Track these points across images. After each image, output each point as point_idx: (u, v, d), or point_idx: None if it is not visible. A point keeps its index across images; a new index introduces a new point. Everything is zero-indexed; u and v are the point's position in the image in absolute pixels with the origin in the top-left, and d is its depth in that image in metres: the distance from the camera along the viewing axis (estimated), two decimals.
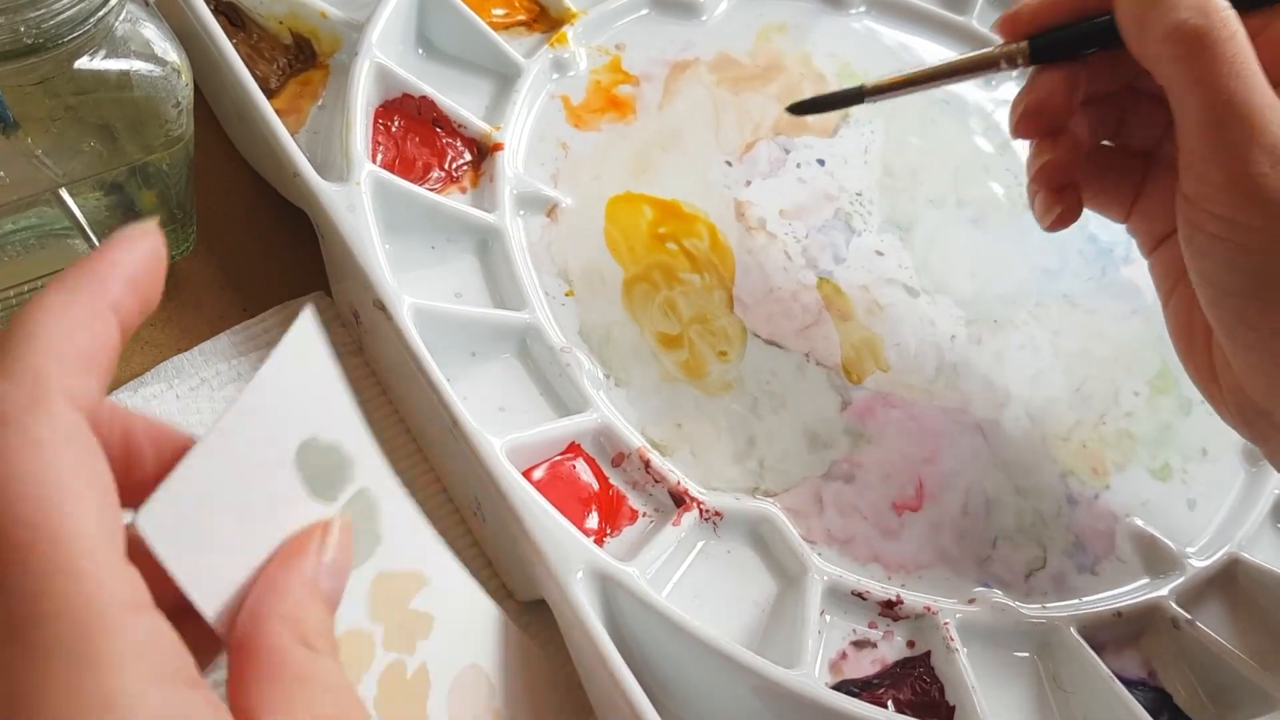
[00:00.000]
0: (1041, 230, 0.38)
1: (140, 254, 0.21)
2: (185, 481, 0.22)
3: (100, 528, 0.18)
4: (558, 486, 0.36)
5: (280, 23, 0.43)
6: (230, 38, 0.40)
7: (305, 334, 0.25)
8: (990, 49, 0.37)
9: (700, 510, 0.37)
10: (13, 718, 0.17)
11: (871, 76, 0.38)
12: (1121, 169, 0.38)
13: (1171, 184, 0.36)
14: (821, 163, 0.47)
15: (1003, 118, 0.51)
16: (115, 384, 0.37)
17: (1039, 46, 0.36)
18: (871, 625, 0.37)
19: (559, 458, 0.37)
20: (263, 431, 0.24)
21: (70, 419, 0.18)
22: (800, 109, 0.40)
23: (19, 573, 0.17)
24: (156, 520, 0.21)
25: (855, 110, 0.49)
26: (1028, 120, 0.37)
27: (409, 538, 0.27)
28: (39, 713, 0.17)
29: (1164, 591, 0.40)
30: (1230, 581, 0.41)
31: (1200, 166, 0.32)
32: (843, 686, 0.35)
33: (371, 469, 0.26)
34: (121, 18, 0.33)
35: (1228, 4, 0.32)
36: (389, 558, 0.26)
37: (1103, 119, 0.38)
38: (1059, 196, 0.37)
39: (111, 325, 0.20)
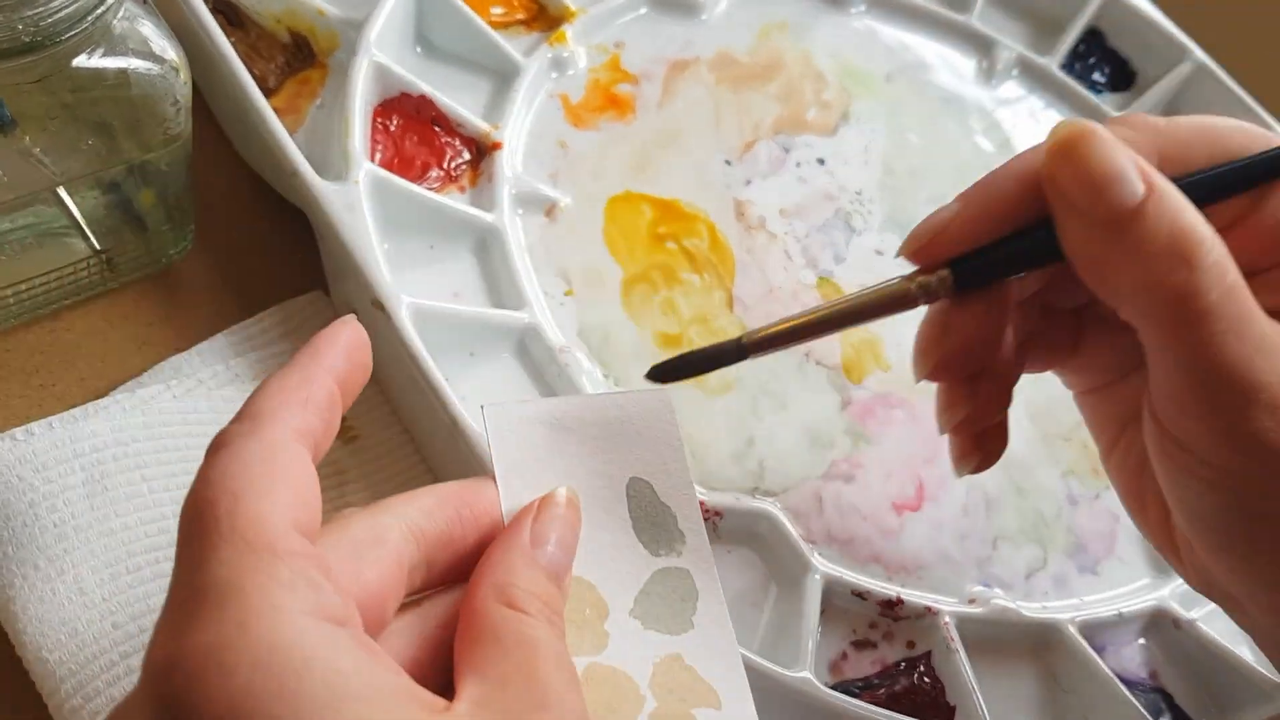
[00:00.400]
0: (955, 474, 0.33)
1: (345, 334, 0.26)
2: (531, 415, 0.28)
3: (274, 506, 0.22)
4: None
5: (278, 21, 0.43)
6: (228, 36, 0.40)
7: (662, 406, 0.29)
8: (899, 280, 0.29)
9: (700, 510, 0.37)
10: (175, 636, 0.21)
11: (751, 326, 0.30)
12: (1052, 331, 0.33)
13: (1109, 339, 0.32)
14: (822, 162, 0.47)
15: (1003, 117, 0.51)
16: (112, 384, 0.37)
17: (965, 272, 0.28)
18: (872, 626, 0.37)
19: None
20: (606, 431, 0.28)
21: (276, 437, 0.23)
22: (663, 374, 0.30)
23: (200, 532, 0.22)
24: (496, 421, 0.28)
25: (856, 108, 0.49)
26: (949, 367, 0.30)
27: (718, 653, 0.28)
28: (190, 634, 0.21)
29: (1165, 592, 0.40)
30: None
31: (1186, 421, 0.27)
32: (843, 687, 0.35)
33: (700, 561, 0.29)
34: (119, 15, 0.33)
35: (1212, 233, 0.26)
36: (691, 651, 0.28)
37: (1025, 304, 0.32)
38: (978, 442, 0.32)
39: (327, 378, 0.25)
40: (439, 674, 0.24)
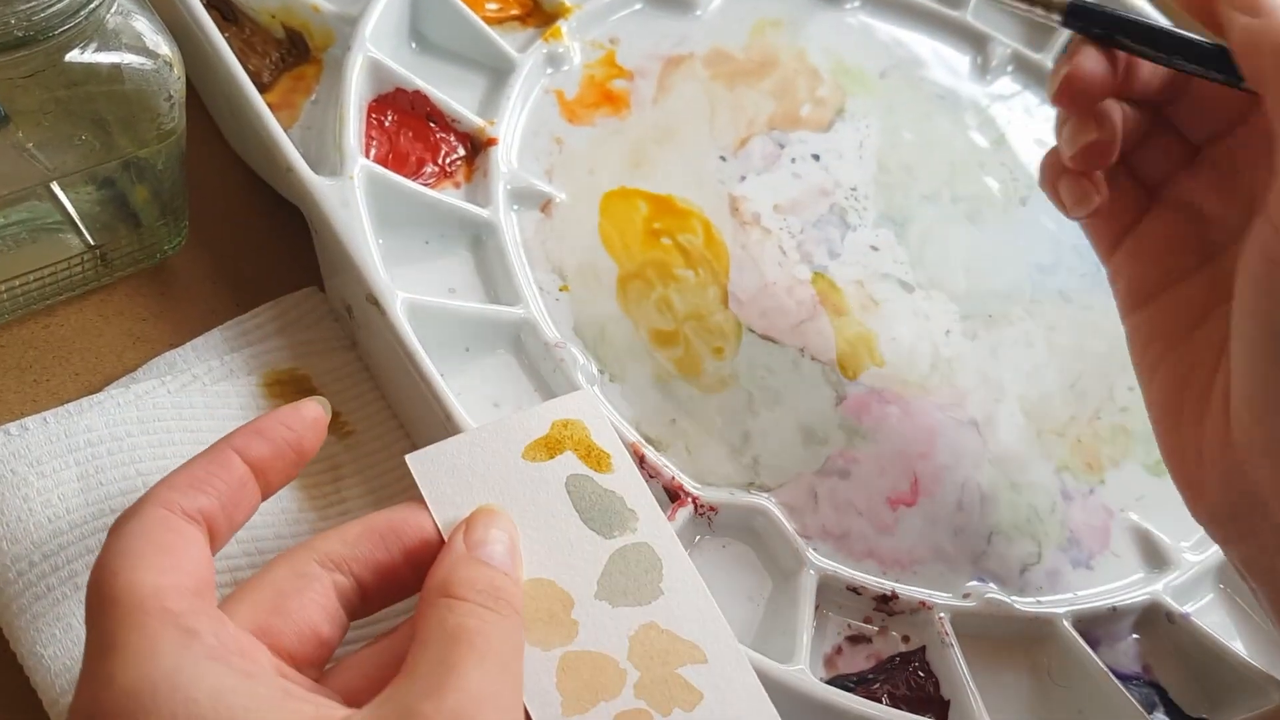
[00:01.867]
0: (1069, 217, 0.36)
1: (281, 417, 0.29)
2: (453, 450, 0.30)
3: (148, 574, 0.25)
4: None
5: (273, 16, 0.43)
6: (222, 31, 0.40)
7: (584, 403, 0.31)
8: None
9: (695, 506, 0.37)
10: (76, 698, 0.24)
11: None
12: (1121, 196, 0.36)
13: (1172, 231, 0.35)
14: (816, 157, 0.47)
15: (997, 113, 0.51)
16: (106, 379, 0.37)
17: (1076, 8, 0.34)
18: (866, 620, 0.37)
19: None
20: (533, 443, 0.30)
21: (155, 515, 0.26)
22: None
23: (91, 605, 0.25)
24: (421, 464, 0.30)
25: (850, 105, 0.49)
26: (1068, 87, 0.34)
27: (694, 611, 0.29)
28: (82, 693, 0.24)
29: (1159, 586, 0.40)
30: (1225, 576, 0.41)
31: None
32: (837, 681, 0.35)
33: (656, 530, 0.30)
34: (113, 10, 0.33)
35: None
36: (666, 616, 0.29)
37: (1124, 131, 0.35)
38: (1095, 182, 0.35)
39: (231, 460, 0.28)
40: None
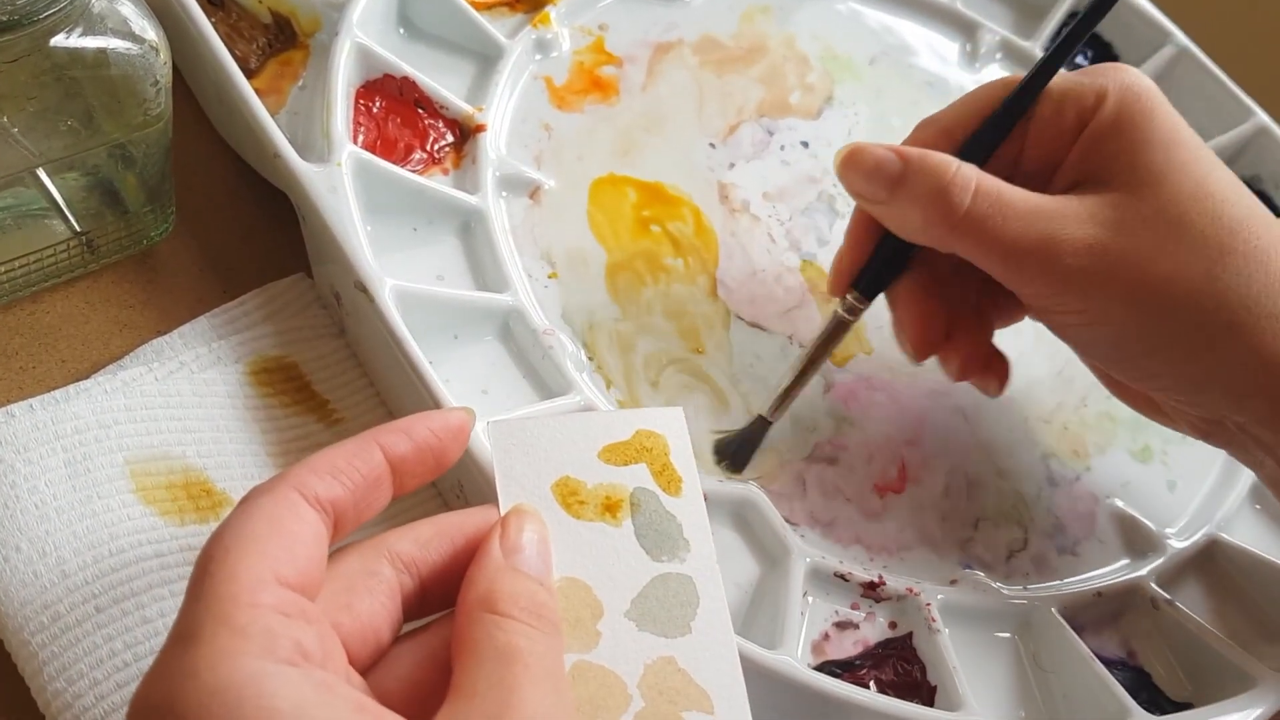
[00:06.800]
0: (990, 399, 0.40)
1: (429, 420, 0.28)
2: (535, 429, 0.30)
3: (255, 560, 0.24)
4: None
5: (260, 2, 0.43)
6: (209, 16, 0.40)
7: (673, 421, 0.31)
8: (832, 316, 0.38)
9: None
10: (148, 681, 0.23)
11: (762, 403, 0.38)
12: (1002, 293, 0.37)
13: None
14: (805, 145, 0.47)
15: None
16: (94, 366, 0.37)
17: (865, 285, 0.37)
18: (854, 606, 0.37)
19: None
20: (612, 445, 0.30)
21: (283, 497, 0.25)
22: (728, 458, 0.38)
23: (192, 582, 0.24)
24: (500, 435, 0.29)
25: (838, 92, 0.49)
26: (925, 347, 0.37)
27: (716, 660, 0.28)
28: (156, 680, 0.23)
29: (1143, 572, 0.40)
30: (1209, 562, 0.41)
31: (1025, 289, 0.35)
32: (825, 667, 0.35)
33: (704, 569, 0.30)
34: None
35: (956, 161, 0.34)
36: (686, 655, 0.28)
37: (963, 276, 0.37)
38: (987, 369, 0.38)
39: (374, 453, 0.27)
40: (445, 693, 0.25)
